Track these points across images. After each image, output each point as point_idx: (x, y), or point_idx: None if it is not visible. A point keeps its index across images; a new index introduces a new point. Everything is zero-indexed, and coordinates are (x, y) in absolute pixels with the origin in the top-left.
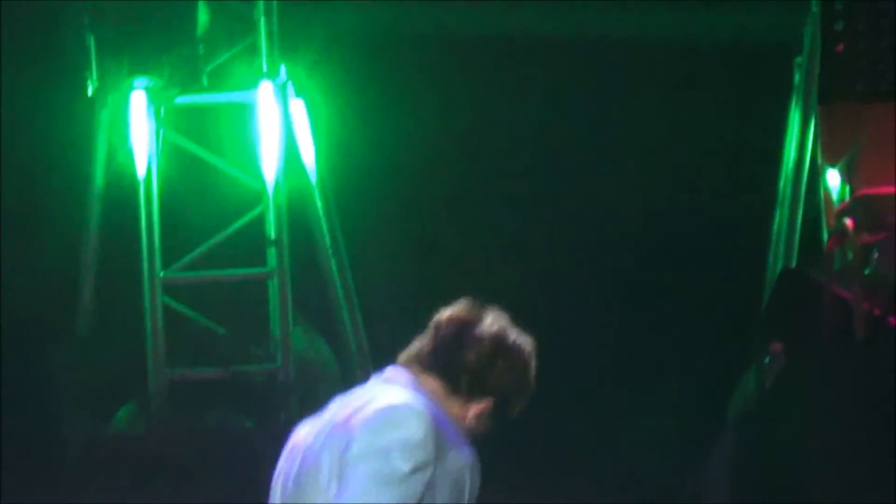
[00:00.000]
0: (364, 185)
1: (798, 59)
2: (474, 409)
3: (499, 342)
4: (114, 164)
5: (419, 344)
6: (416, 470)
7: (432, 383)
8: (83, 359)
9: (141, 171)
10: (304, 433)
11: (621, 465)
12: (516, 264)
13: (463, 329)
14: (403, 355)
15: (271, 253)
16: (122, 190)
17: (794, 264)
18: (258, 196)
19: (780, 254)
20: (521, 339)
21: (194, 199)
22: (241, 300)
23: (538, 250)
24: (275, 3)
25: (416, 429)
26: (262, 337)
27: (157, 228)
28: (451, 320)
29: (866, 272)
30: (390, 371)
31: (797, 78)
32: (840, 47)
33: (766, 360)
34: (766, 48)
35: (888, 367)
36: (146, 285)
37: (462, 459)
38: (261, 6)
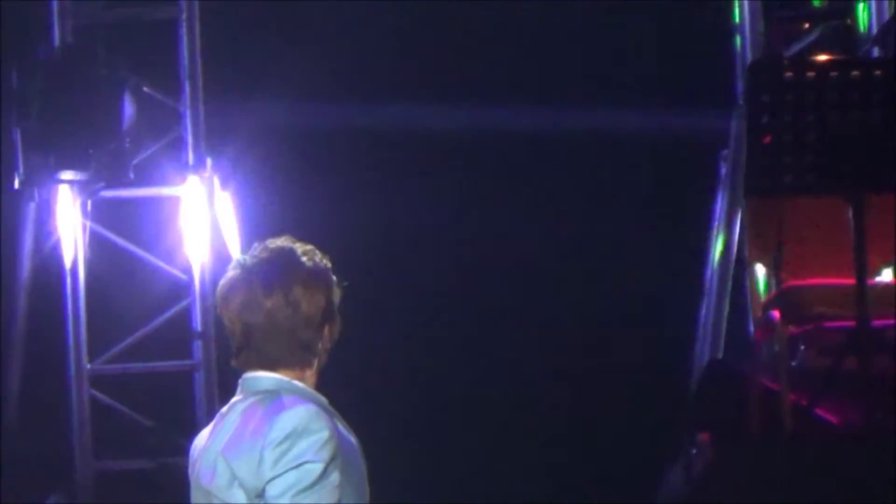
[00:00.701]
0: None
1: (724, 152)
2: (319, 362)
3: (290, 300)
4: (40, 257)
5: (239, 345)
6: (328, 463)
7: (287, 374)
8: (8, 451)
9: (67, 263)
10: (201, 455)
11: None
12: (446, 350)
13: (258, 317)
14: (240, 362)
15: (197, 346)
16: (49, 283)
17: (720, 356)
18: (184, 289)
19: (707, 345)
20: (301, 271)
21: (120, 292)
22: (167, 392)
23: (471, 336)
24: (200, 97)
25: (318, 429)
26: (188, 429)
27: (84, 321)
28: (236, 314)
29: (793, 364)
30: (250, 382)
31: (723, 170)
32: (767, 139)
33: (693, 451)
34: (693, 141)
35: (815, 460)
36: (73, 377)
37: (350, 440)
38: (186, 100)
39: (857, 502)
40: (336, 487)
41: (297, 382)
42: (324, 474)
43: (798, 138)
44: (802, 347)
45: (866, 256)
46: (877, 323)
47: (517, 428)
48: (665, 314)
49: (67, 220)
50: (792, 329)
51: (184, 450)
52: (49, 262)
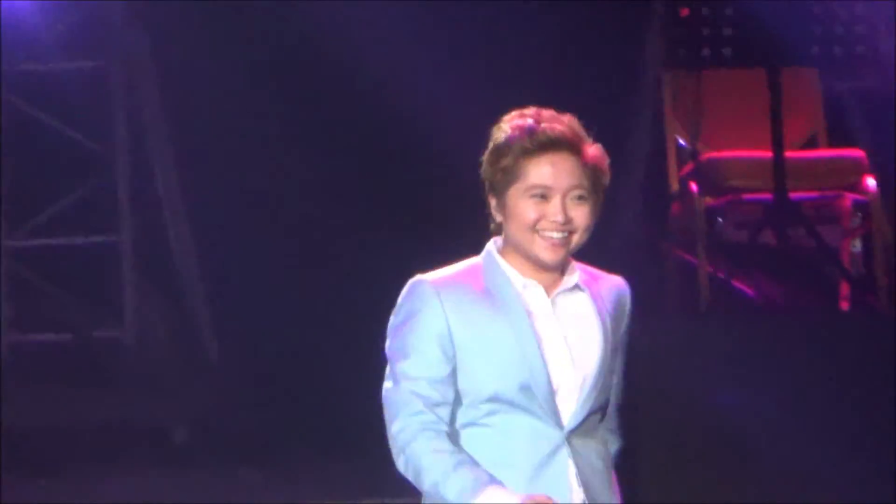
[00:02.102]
0: (213, 152)
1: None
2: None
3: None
4: None
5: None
6: None
7: None
8: None
9: None
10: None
11: None
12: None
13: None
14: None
15: (118, 219)
16: None
17: (638, 229)
18: (106, 162)
19: (624, 218)
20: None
21: (40, 166)
22: (88, 266)
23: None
24: None
25: None
26: (109, 303)
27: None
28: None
29: (710, 237)
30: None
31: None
32: (684, 12)
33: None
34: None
35: (733, 331)
36: None
37: None
38: None
39: (772, 374)
40: None
41: None
42: None
43: (715, 11)
44: (720, 220)
45: (783, 129)
46: (793, 196)
47: None
48: None
49: None
50: (709, 201)
51: (103, 324)
52: None
